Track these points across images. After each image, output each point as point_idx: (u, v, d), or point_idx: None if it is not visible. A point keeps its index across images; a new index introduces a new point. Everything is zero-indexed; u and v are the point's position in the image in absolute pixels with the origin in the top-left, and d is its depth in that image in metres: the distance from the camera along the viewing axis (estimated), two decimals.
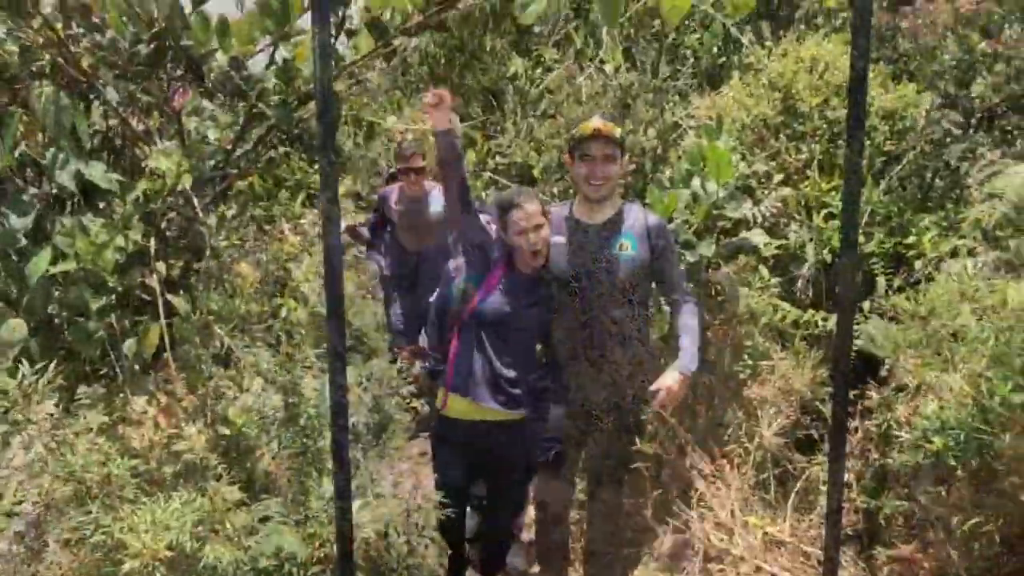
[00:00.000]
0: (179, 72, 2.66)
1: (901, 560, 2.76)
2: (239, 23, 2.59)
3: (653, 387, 3.25)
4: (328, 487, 2.33)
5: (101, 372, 3.38)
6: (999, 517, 2.42)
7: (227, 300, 4.54)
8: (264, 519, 2.42)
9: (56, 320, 3.56)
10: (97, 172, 3.36)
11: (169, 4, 2.40)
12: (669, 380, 3.24)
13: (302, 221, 6.79)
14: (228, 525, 2.34)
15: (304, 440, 2.51)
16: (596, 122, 3.30)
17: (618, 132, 3.34)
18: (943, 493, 2.54)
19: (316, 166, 8.52)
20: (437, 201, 5.40)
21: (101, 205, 3.58)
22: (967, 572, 2.50)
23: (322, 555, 2.23)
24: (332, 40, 3.09)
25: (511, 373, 3.39)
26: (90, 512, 2.30)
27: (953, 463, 2.42)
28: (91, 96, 3.42)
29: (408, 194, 5.55)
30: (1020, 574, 2.44)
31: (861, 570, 3.01)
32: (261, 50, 2.70)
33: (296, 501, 2.38)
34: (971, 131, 4.19)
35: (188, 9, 2.73)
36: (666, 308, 3.75)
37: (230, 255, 5.18)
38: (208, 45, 2.55)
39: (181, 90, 2.66)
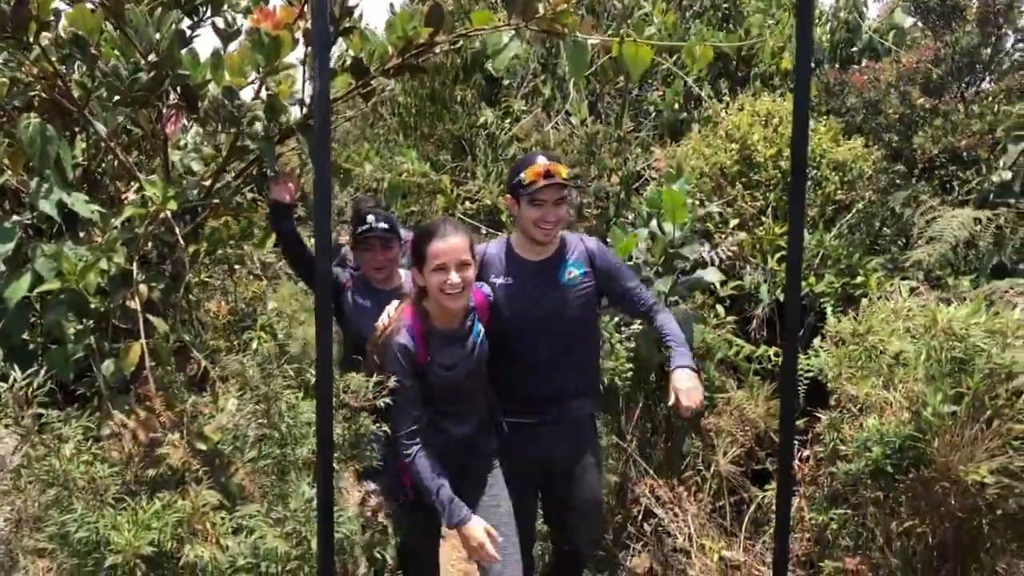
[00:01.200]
0: (173, 100, 2.82)
1: (846, 572, 2.91)
2: (231, 56, 2.76)
3: (672, 399, 2.98)
4: (306, 489, 2.44)
5: (77, 392, 3.47)
6: (933, 521, 2.59)
7: (199, 333, 4.66)
8: (242, 524, 2.52)
9: (31, 345, 3.66)
10: (79, 202, 3.49)
11: (170, 37, 2.57)
12: (685, 383, 2.99)
13: (271, 261, 6.95)
14: (208, 526, 2.44)
15: (282, 449, 2.62)
16: (543, 163, 3.03)
17: (566, 172, 3.10)
18: (882, 498, 2.71)
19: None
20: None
21: (81, 234, 3.72)
22: (902, 574, 2.66)
23: (299, 552, 2.32)
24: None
25: (477, 436, 3.06)
26: (75, 510, 2.39)
27: (890, 470, 2.60)
28: (76, 129, 3.58)
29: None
30: (951, 574, 2.61)
31: None
32: (251, 82, 2.86)
33: (273, 504, 2.48)
34: (914, 180, 4.46)
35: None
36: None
37: (200, 293, 5.30)
38: (201, 76, 2.72)
39: (174, 117, 2.82)
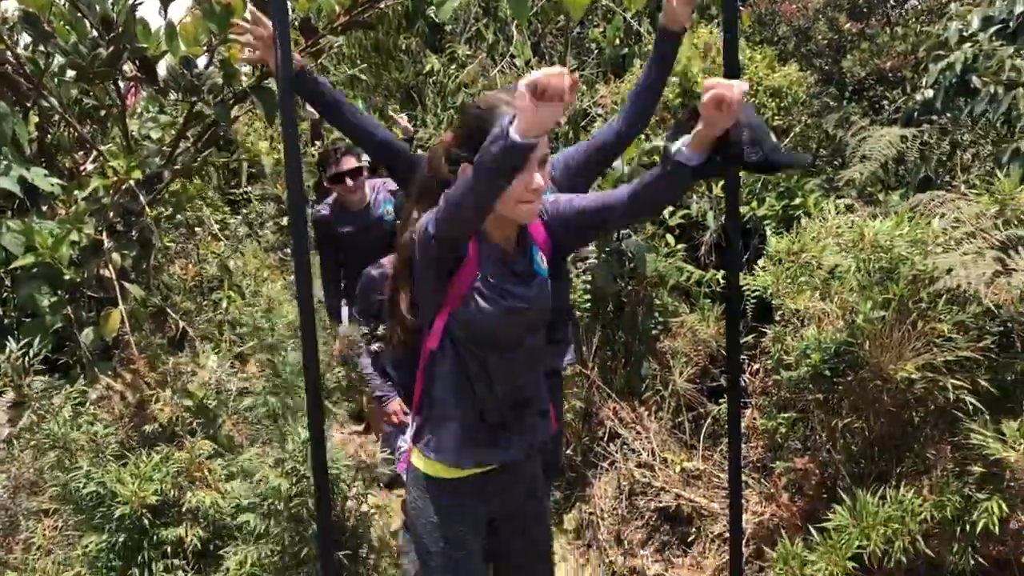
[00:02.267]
0: (133, 73, 2.91)
1: (796, 471, 3.18)
2: (185, 26, 2.85)
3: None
4: (302, 432, 2.60)
5: (59, 362, 3.58)
6: (870, 418, 2.86)
7: (168, 296, 4.77)
8: (238, 470, 2.70)
9: (6, 320, 3.76)
10: (39, 176, 3.57)
11: (126, 11, 2.65)
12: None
13: (231, 221, 7.01)
14: (206, 473, 2.62)
15: (278, 397, 2.79)
16: None
17: None
18: (824, 400, 2.97)
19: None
20: (388, 204, 4.49)
21: (44, 208, 3.80)
22: (845, 469, 2.94)
23: (299, 489, 2.50)
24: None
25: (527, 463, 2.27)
26: (80, 468, 2.54)
27: (828, 374, 2.85)
28: (28, 104, 3.63)
29: (350, 207, 4.44)
30: (888, 464, 2.89)
31: (764, 487, 3.43)
32: (206, 51, 2.95)
33: (270, 447, 2.65)
34: (845, 102, 4.68)
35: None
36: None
37: (162, 257, 5.39)
38: (157, 47, 2.81)
39: (134, 89, 2.90)
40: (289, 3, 3.50)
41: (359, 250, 4.29)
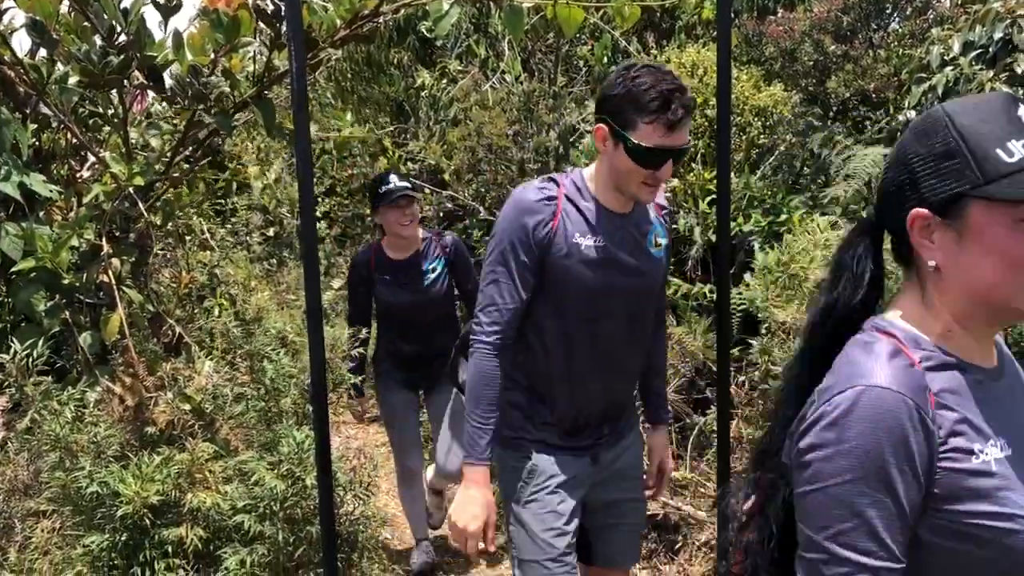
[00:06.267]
0: (138, 81, 2.95)
1: None
2: (193, 36, 2.91)
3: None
4: (297, 435, 2.66)
5: (56, 365, 3.62)
6: None
7: (162, 302, 4.80)
8: (236, 472, 2.75)
9: (1, 324, 3.78)
10: (37, 182, 3.61)
11: (137, 21, 2.71)
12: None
13: (222, 230, 7.05)
14: (207, 475, 2.66)
15: (267, 402, 2.84)
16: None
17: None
18: None
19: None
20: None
21: (41, 213, 3.84)
22: None
23: (296, 490, 2.55)
24: (269, 53, 3.43)
25: None
26: (82, 469, 2.58)
27: None
28: (27, 111, 3.68)
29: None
30: None
31: None
32: (212, 60, 3.01)
33: (267, 450, 2.71)
34: (829, 122, 4.80)
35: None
36: None
37: (154, 263, 5.43)
38: (165, 56, 2.87)
39: (140, 96, 2.95)
40: None
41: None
